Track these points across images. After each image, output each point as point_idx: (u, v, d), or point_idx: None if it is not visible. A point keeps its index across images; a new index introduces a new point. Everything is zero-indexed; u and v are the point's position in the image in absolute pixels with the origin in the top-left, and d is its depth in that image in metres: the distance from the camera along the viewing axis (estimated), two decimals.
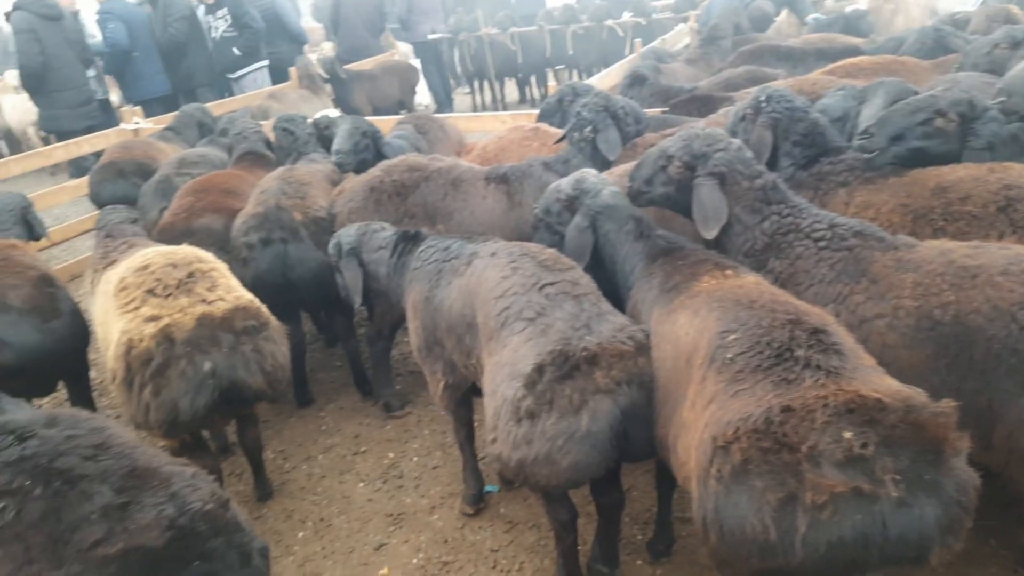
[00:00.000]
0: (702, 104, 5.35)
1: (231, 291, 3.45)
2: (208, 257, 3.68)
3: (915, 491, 1.84)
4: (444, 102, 12.54)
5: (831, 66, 5.54)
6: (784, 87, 4.95)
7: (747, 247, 3.09)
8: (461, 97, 14.57)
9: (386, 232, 3.79)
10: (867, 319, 2.63)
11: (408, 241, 3.63)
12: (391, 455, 4.15)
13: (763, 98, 3.73)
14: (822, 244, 2.87)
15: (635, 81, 6.35)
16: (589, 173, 3.34)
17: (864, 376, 2.14)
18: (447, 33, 12.59)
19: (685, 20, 10.37)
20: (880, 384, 2.10)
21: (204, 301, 3.29)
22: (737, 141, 3.24)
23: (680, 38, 9.87)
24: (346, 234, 3.85)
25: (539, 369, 2.54)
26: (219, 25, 9.80)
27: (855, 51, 6.52)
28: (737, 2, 9.22)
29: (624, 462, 2.79)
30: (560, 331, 2.64)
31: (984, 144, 3.19)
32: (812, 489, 1.85)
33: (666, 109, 5.50)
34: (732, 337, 2.37)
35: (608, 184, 3.27)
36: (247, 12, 9.50)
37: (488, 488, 3.68)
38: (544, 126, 5.18)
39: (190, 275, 3.41)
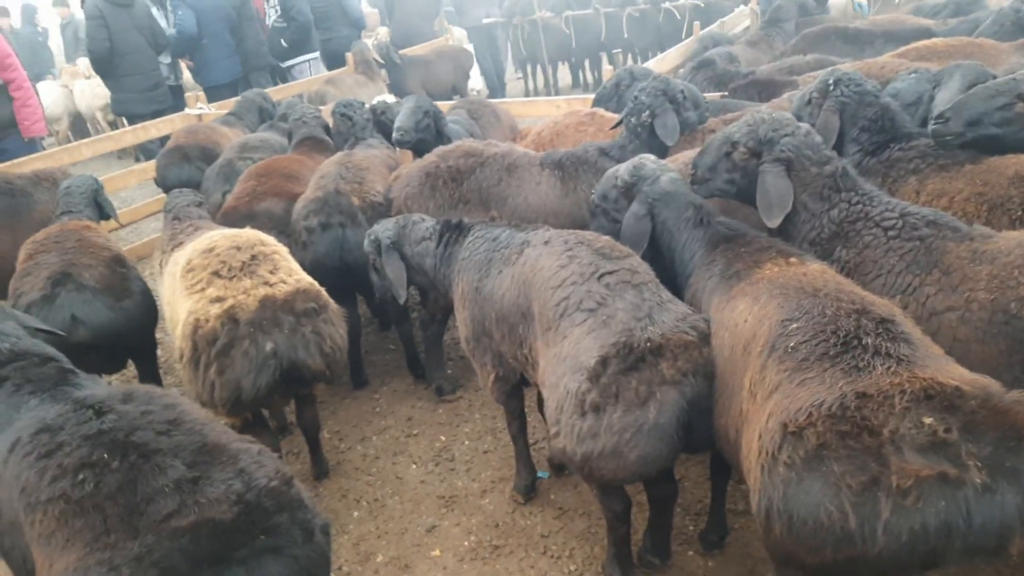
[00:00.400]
0: (763, 88, 5.22)
1: (292, 274, 3.53)
2: (270, 240, 3.77)
3: (998, 478, 1.79)
4: (496, 87, 12.51)
5: (903, 48, 5.32)
6: (852, 70, 4.81)
7: (813, 235, 3.01)
8: (513, 82, 14.52)
9: (427, 223, 3.75)
10: (938, 311, 2.55)
11: (454, 231, 3.60)
12: (443, 438, 4.20)
13: (831, 81, 3.62)
14: (892, 233, 2.78)
15: (701, 66, 6.22)
16: (647, 159, 3.29)
17: (937, 364, 2.09)
18: (501, 17, 12.54)
19: (746, 2, 10.10)
20: (955, 372, 2.05)
21: (267, 283, 3.37)
22: (805, 126, 3.15)
23: (740, 20, 9.63)
24: (384, 228, 3.79)
25: (603, 362, 2.52)
26: (271, 13, 9.98)
27: (927, 33, 6.26)
28: None
29: (686, 453, 2.76)
30: (623, 322, 2.62)
31: None
32: (897, 473, 1.80)
33: (725, 93, 5.38)
34: (795, 326, 2.32)
35: (667, 170, 3.22)
36: (295, 5, 9.61)
37: (539, 474, 3.69)
38: (600, 111, 5.12)
39: (253, 258, 3.49)
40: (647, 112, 4.24)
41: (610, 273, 2.77)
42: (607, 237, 3.07)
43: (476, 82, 11.74)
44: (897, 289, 2.69)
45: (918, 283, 2.64)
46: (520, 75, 13.94)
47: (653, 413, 2.45)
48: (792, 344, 2.27)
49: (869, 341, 2.15)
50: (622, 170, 3.33)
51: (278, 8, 9.80)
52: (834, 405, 1.98)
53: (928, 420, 1.86)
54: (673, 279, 3.10)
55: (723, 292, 2.78)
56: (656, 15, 11.50)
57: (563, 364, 2.67)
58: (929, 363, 2.09)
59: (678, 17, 11.09)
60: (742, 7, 9.96)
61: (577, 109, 5.45)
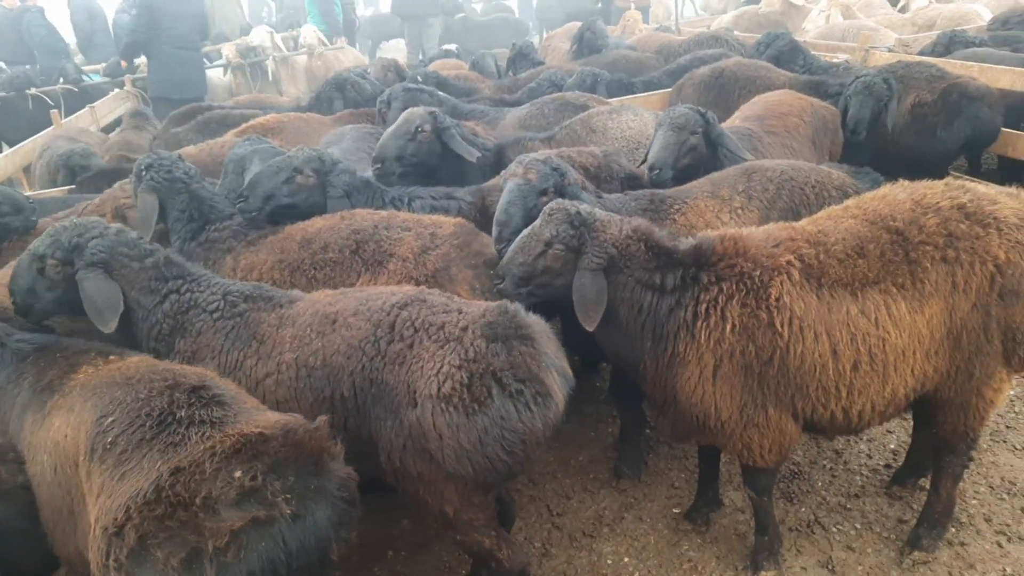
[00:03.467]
0: (112, 176, 5.02)
1: None
2: None
3: (306, 502, 2.00)
4: None
5: (243, 126, 5.76)
6: (196, 152, 4.99)
7: (155, 332, 2.88)
8: None
9: None
10: (260, 379, 2.66)
11: None
12: None
13: (143, 165, 3.63)
14: (217, 315, 2.82)
15: None
16: None
17: (248, 417, 2.20)
18: None
19: (121, 85, 9.73)
20: (262, 419, 2.18)
21: None
22: (116, 225, 3.01)
23: (115, 105, 9.21)
24: None
25: None
26: None
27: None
28: None
29: None
30: None
31: (340, 193, 3.63)
32: (212, 535, 1.86)
33: (72, 188, 5.02)
34: (110, 420, 2.23)
35: None
36: None
37: None
38: None
39: None
40: None
41: None
42: None
43: None
44: (229, 367, 2.72)
45: (243, 357, 2.71)
46: None
47: None
48: (110, 439, 2.17)
49: (183, 413, 2.18)
50: None
51: None
52: (149, 491, 1.95)
53: (238, 473, 1.96)
54: None
55: (37, 409, 2.52)
56: (24, 102, 10.21)
57: None
58: (240, 418, 2.19)
59: (50, 103, 10.04)
60: (118, 90, 9.56)
61: None
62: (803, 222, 2.82)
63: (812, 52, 6.82)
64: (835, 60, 6.77)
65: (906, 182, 2.83)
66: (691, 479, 3.69)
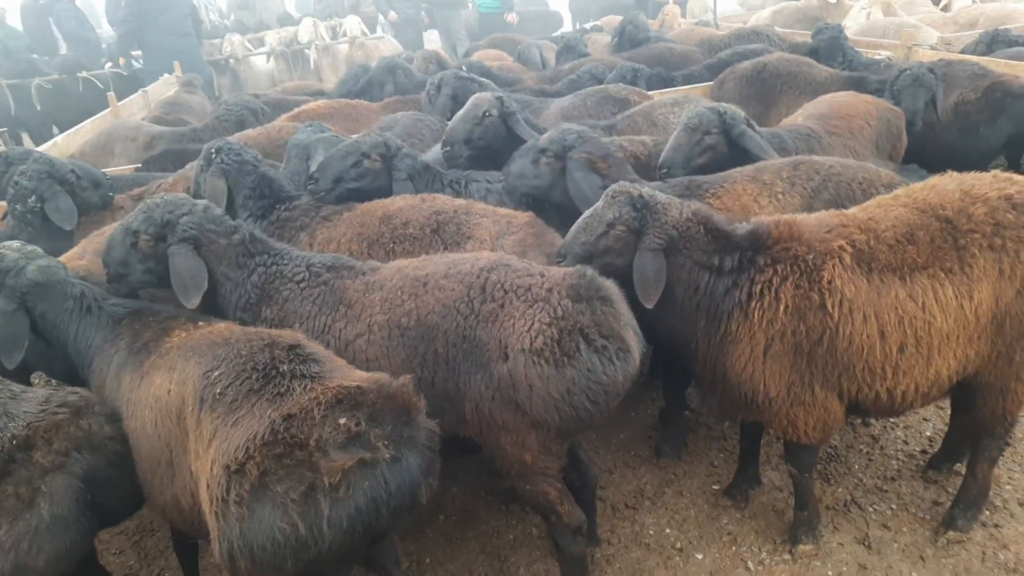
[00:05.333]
0: (176, 158, 5.24)
1: None
2: None
3: (401, 448, 2.20)
4: None
5: (295, 111, 5.96)
6: (256, 136, 5.19)
7: (243, 303, 3.03)
8: None
9: None
10: (350, 340, 2.82)
11: None
12: None
13: (213, 150, 3.79)
14: (303, 285, 2.97)
15: None
16: (9, 247, 2.95)
17: (341, 373, 2.41)
18: None
19: (171, 70, 9.98)
20: (355, 376, 2.40)
21: None
22: (203, 202, 3.17)
23: (166, 89, 9.47)
24: None
25: None
26: None
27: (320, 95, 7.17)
28: None
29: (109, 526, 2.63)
30: None
31: (405, 176, 3.80)
32: (327, 473, 2.06)
33: (138, 166, 5.25)
34: (217, 373, 2.42)
35: (36, 258, 2.93)
36: None
37: None
38: None
39: None
40: (33, 197, 3.87)
41: None
42: None
43: None
44: (317, 331, 2.88)
45: (331, 321, 2.88)
46: None
47: (46, 508, 2.33)
48: (219, 390, 2.37)
49: (285, 367, 2.38)
50: None
51: None
52: (266, 433, 2.15)
53: (343, 420, 2.17)
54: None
55: (134, 368, 2.72)
56: (75, 85, 10.53)
57: None
58: (335, 374, 2.40)
59: (100, 86, 10.35)
60: (167, 75, 9.82)
61: None
62: (854, 210, 2.93)
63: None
64: (877, 57, 6.80)
65: (955, 173, 2.93)
66: (730, 459, 3.82)
